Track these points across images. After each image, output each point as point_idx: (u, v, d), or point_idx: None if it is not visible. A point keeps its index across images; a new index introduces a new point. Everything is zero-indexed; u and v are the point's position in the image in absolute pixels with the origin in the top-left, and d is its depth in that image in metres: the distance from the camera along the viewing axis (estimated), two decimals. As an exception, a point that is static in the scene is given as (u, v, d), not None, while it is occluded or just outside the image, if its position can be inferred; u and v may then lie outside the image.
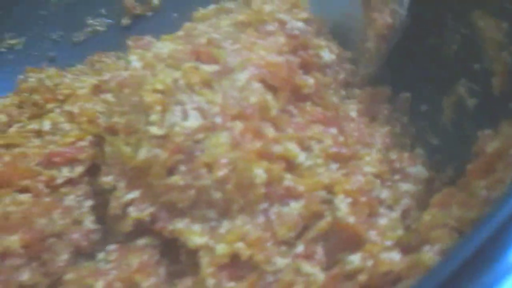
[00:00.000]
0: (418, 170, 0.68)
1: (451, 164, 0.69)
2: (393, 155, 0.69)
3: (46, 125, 0.83)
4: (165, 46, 0.74)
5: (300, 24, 0.71)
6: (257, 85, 0.64)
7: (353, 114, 0.72)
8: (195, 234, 0.63)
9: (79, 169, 0.77)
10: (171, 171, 0.66)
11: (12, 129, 0.85)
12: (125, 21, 1.05)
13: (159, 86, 0.70)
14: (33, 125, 0.84)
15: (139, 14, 1.05)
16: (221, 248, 0.61)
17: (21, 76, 0.97)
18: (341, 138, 0.67)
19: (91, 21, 1.05)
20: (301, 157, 0.64)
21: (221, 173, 0.62)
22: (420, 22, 0.74)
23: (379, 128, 0.71)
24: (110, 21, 1.05)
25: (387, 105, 0.75)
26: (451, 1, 0.73)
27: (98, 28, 1.05)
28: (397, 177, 0.67)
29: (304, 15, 0.73)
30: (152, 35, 0.99)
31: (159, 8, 1.05)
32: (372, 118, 0.73)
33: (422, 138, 0.74)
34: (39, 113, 0.87)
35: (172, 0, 1.05)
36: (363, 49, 0.76)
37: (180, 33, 0.80)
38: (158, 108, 0.68)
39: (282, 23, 0.71)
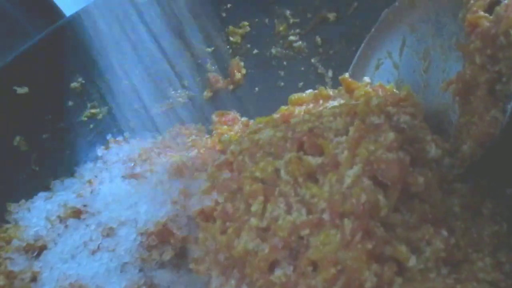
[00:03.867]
0: (530, 275, 0.64)
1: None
2: (502, 257, 0.66)
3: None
4: (263, 132, 0.73)
5: (407, 118, 0.69)
6: (367, 182, 0.62)
7: (456, 209, 0.69)
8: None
9: (170, 252, 0.75)
10: (271, 264, 0.64)
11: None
12: (207, 94, 1.05)
13: (260, 175, 0.68)
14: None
15: (220, 88, 1.05)
16: None
17: (103, 147, 0.98)
18: (452, 240, 0.64)
19: (172, 93, 1.04)
20: (412, 260, 0.61)
21: (329, 273, 0.59)
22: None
23: (486, 226, 0.68)
24: (191, 93, 1.05)
25: (489, 200, 0.72)
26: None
27: (179, 99, 1.04)
28: (509, 282, 0.64)
29: (411, 109, 0.71)
30: (233, 109, 1.00)
31: (240, 82, 1.05)
32: (475, 213, 0.70)
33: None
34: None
35: (253, 75, 1.05)
36: (457, 146, 0.73)
37: (276, 116, 0.79)
38: (260, 198, 0.66)
39: (389, 116, 0.69)
